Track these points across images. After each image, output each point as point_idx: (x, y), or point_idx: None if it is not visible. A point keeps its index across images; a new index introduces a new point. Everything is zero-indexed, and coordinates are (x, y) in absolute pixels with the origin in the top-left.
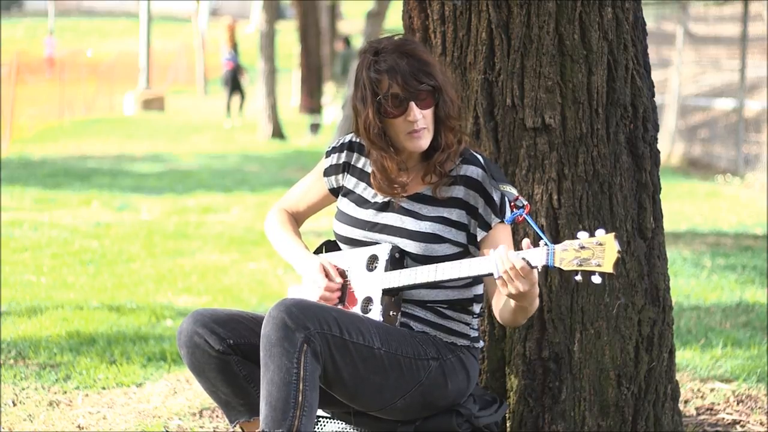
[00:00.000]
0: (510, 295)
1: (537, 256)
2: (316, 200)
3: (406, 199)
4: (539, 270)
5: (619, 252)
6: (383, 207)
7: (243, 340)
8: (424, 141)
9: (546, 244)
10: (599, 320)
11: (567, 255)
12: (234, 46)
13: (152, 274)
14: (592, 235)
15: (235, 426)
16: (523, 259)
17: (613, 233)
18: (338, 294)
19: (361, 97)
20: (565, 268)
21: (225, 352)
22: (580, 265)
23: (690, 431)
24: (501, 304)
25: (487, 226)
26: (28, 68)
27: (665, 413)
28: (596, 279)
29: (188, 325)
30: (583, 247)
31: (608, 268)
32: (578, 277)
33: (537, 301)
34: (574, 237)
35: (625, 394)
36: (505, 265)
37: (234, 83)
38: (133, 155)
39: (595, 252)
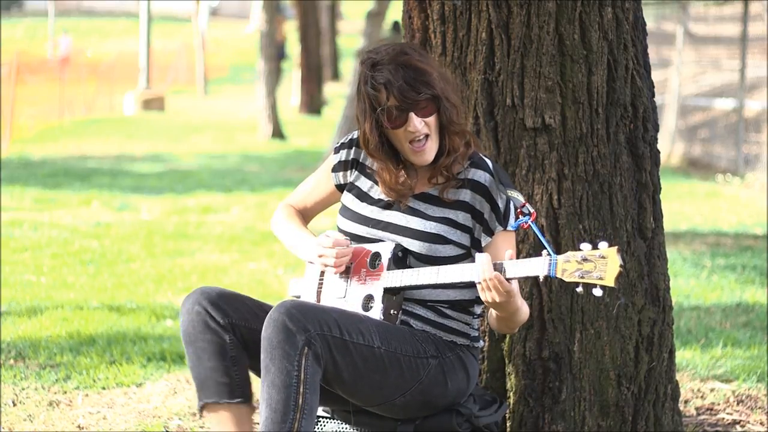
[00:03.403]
0: (487, 303)
1: (539, 265)
2: (323, 196)
3: (412, 198)
4: (540, 280)
5: (621, 266)
6: (388, 205)
7: (243, 323)
8: (428, 155)
9: (549, 254)
10: (599, 320)
11: (569, 266)
12: (279, 43)
13: (152, 274)
14: (595, 247)
15: (201, 405)
16: (503, 271)
17: (616, 247)
18: (351, 251)
19: (362, 110)
20: (566, 279)
21: (224, 328)
22: (582, 278)
23: (690, 431)
24: (490, 308)
25: (490, 233)
26: (28, 68)
27: (665, 413)
28: (597, 292)
29: (195, 295)
30: (585, 260)
31: (610, 281)
32: (579, 289)
33: (522, 314)
34: (575, 244)
35: (625, 394)
36: (485, 274)
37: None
38: (133, 155)
39: (598, 265)
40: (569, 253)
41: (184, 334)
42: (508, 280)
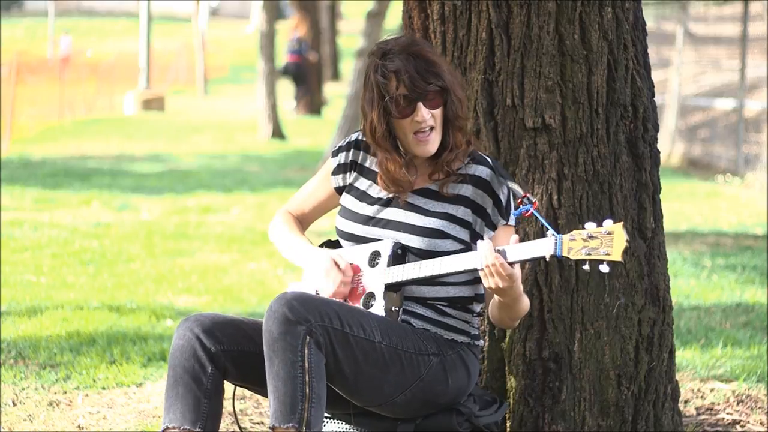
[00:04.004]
0: (491, 289)
1: (544, 246)
2: (322, 201)
3: (411, 193)
4: (547, 260)
5: (627, 241)
6: (387, 203)
7: (236, 347)
8: (432, 146)
9: (553, 234)
10: (599, 320)
11: (575, 244)
12: (299, 40)
13: (152, 274)
14: (599, 225)
15: (163, 429)
16: (504, 255)
17: (621, 222)
18: (350, 287)
19: (368, 99)
20: (573, 258)
21: (211, 357)
22: (589, 255)
23: (690, 431)
24: (490, 301)
25: (493, 227)
26: (28, 68)
27: (665, 413)
28: (604, 268)
29: (189, 322)
30: (591, 237)
31: (617, 256)
32: (586, 266)
33: (524, 303)
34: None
35: (625, 394)
36: (487, 259)
37: (299, 75)
38: (133, 155)
39: (604, 241)
40: (574, 232)
41: (171, 356)
42: (511, 264)
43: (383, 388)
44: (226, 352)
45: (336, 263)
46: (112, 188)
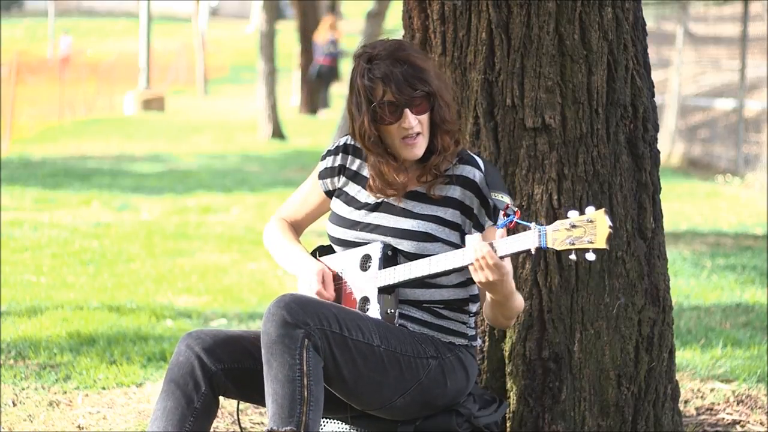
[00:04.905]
0: (481, 284)
1: (529, 239)
2: (314, 206)
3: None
4: (532, 252)
5: (610, 227)
6: (375, 207)
7: (237, 365)
8: (419, 149)
9: (537, 227)
10: (599, 320)
11: (559, 235)
12: (334, 42)
13: (152, 274)
14: (582, 213)
15: None
16: (492, 245)
17: (603, 209)
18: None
19: (356, 104)
20: (558, 248)
21: (209, 377)
22: (573, 244)
23: (690, 431)
24: (485, 301)
25: (480, 227)
26: (28, 68)
27: (665, 413)
28: (590, 256)
29: (191, 338)
30: (574, 226)
31: (601, 243)
32: (572, 256)
33: (518, 301)
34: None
35: (625, 394)
36: (477, 253)
37: (332, 79)
38: (133, 155)
39: (587, 229)
40: (557, 222)
41: (168, 370)
42: (501, 258)
43: (382, 391)
44: (226, 371)
45: (323, 278)
46: (112, 188)
